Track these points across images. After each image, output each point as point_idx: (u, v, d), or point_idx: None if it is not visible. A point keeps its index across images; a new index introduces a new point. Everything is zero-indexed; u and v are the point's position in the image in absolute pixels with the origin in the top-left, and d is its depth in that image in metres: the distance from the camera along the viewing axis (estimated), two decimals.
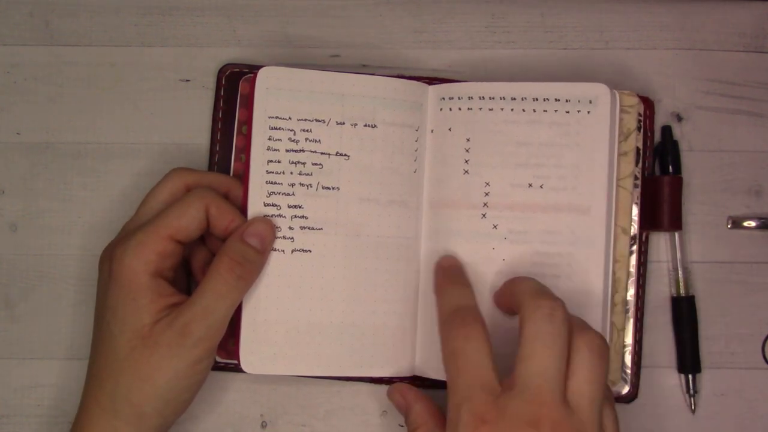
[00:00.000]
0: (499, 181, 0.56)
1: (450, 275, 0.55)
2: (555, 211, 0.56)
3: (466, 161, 0.57)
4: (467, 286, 0.54)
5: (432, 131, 0.58)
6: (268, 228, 0.54)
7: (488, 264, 0.56)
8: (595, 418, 0.46)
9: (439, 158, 0.58)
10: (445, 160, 0.57)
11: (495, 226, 0.56)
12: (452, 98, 0.57)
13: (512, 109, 0.56)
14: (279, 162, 0.55)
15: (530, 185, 0.56)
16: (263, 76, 0.56)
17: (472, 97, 0.57)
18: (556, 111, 0.56)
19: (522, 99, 0.56)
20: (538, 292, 0.49)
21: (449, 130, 0.57)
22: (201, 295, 0.51)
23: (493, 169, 0.57)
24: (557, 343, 0.46)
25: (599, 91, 0.56)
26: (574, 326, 0.48)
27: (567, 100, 0.56)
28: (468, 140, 0.57)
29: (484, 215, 0.57)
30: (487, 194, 0.57)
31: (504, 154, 0.56)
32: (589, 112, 0.56)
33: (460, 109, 0.57)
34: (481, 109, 0.57)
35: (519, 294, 0.49)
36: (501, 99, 0.56)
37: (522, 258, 0.56)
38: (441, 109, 0.58)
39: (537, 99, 0.56)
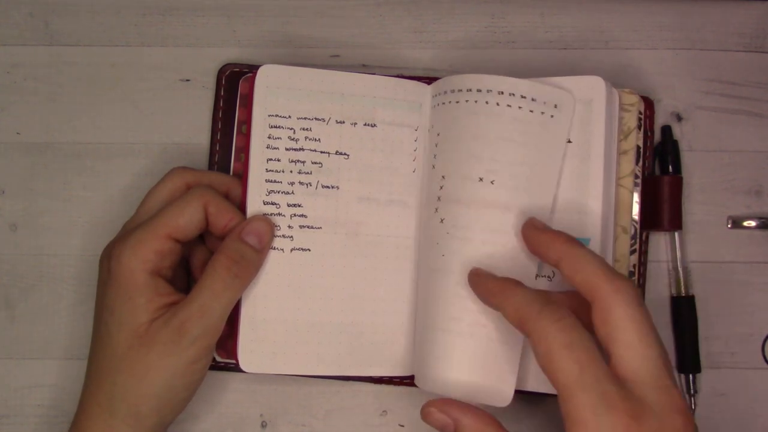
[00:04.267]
0: (454, 175, 0.55)
1: (502, 281, 0.49)
2: (502, 209, 0.54)
3: (435, 156, 0.56)
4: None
5: (429, 130, 0.58)
6: (267, 226, 0.54)
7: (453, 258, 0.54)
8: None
9: (428, 156, 0.57)
10: (428, 158, 0.57)
11: (442, 221, 0.55)
12: (438, 94, 0.57)
13: (507, 105, 0.54)
14: (278, 160, 0.55)
15: (481, 179, 0.54)
16: (263, 74, 0.56)
17: (454, 90, 0.56)
18: (520, 108, 0.54)
19: (519, 93, 0.54)
20: (612, 274, 0.45)
21: (432, 126, 0.57)
22: (198, 294, 0.51)
23: (451, 163, 0.55)
24: (652, 325, 0.45)
25: (596, 86, 0.54)
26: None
27: (533, 99, 0.54)
28: (438, 134, 0.56)
29: (436, 209, 0.55)
30: (441, 188, 0.55)
31: (461, 148, 0.55)
32: (587, 108, 0.54)
33: (443, 104, 0.57)
34: (458, 102, 0.55)
35: (589, 275, 0.46)
36: (497, 93, 0.54)
37: (462, 254, 0.53)
38: (433, 107, 0.58)
39: (534, 93, 0.54)
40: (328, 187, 0.56)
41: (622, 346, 0.44)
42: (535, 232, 0.50)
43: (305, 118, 0.56)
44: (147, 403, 0.51)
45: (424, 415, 0.49)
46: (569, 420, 0.43)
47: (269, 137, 0.55)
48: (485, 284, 0.50)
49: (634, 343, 0.44)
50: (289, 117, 0.56)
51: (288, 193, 0.56)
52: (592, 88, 0.55)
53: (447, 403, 0.49)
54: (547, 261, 0.49)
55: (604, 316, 0.45)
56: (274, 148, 0.56)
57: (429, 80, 0.59)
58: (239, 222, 0.54)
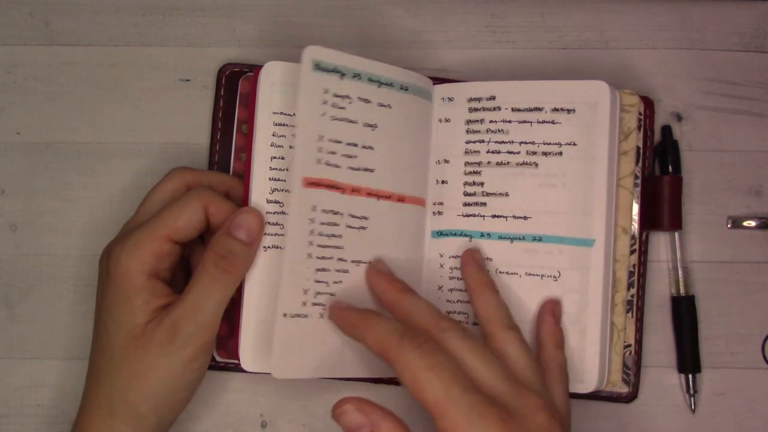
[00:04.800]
0: (494, 179, 0.56)
1: (361, 313, 0.51)
2: (553, 212, 0.56)
3: (467, 163, 0.57)
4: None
5: (436, 130, 0.58)
6: (255, 219, 0.53)
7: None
8: None
9: (441, 157, 0.58)
10: (446, 159, 0.57)
11: (489, 226, 0.56)
12: (452, 99, 0.57)
13: (512, 109, 0.56)
14: (283, 158, 0.55)
15: (528, 185, 0.56)
16: (268, 71, 0.55)
17: (472, 98, 0.57)
18: (555, 110, 0.56)
19: (523, 98, 0.56)
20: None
21: (450, 130, 0.57)
22: (188, 292, 0.51)
23: (491, 167, 0.56)
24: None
25: (601, 90, 0.55)
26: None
27: (569, 99, 0.56)
28: (467, 142, 0.57)
29: (482, 216, 0.57)
30: (485, 194, 0.57)
31: (502, 153, 0.56)
32: (592, 112, 0.55)
33: (460, 108, 0.57)
34: (478, 109, 0.57)
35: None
36: (502, 98, 0.56)
37: (513, 258, 0.56)
38: (441, 108, 0.58)
39: (538, 98, 0.56)
40: None
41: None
42: (376, 276, 0.54)
43: None
44: (145, 404, 0.51)
45: (338, 414, 0.45)
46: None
47: (273, 135, 0.55)
48: (346, 317, 0.51)
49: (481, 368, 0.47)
50: (294, 115, 0.55)
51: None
52: (596, 93, 0.55)
53: (367, 403, 0.46)
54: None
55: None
56: (279, 146, 0.55)
57: (430, 80, 0.59)
58: None
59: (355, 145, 0.54)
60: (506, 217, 0.56)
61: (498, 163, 0.56)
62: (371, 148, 0.55)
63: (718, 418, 0.60)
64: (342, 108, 0.53)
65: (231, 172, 0.59)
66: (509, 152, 0.56)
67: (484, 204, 0.56)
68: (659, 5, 0.63)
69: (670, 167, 0.60)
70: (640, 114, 0.58)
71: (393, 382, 0.59)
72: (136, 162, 0.61)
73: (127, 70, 0.62)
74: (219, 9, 0.63)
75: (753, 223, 0.61)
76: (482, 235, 0.56)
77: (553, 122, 0.56)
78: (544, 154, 0.56)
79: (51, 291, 0.60)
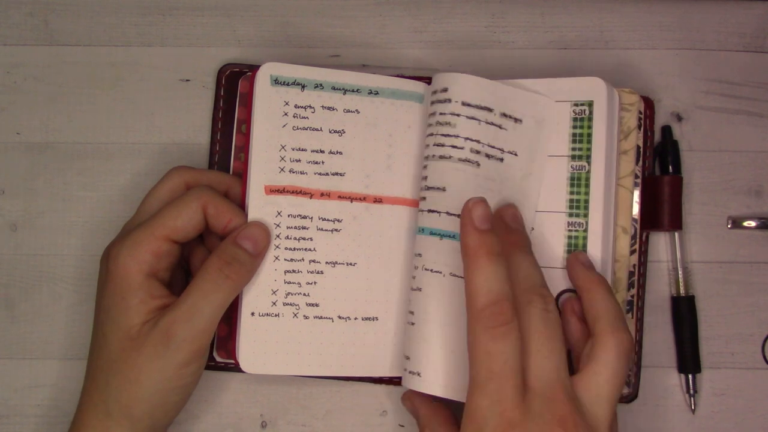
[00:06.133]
0: (435, 173, 0.55)
1: (489, 242, 0.48)
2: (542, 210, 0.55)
3: (460, 159, 0.56)
4: (504, 261, 0.48)
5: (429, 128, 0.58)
6: (263, 233, 0.54)
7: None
8: (609, 417, 0.47)
9: (423, 154, 0.57)
10: (440, 158, 0.57)
11: (425, 221, 0.55)
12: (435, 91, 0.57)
13: (462, 103, 0.54)
14: None
15: (467, 183, 0.54)
16: (265, 72, 0.55)
17: (434, 91, 0.56)
18: (503, 115, 0.55)
19: (476, 94, 0.55)
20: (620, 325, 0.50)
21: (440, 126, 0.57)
22: (187, 295, 0.51)
23: (434, 161, 0.55)
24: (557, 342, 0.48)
25: (547, 105, 0.55)
26: (603, 323, 0.49)
27: (519, 109, 0.55)
28: (427, 135, 0.56)
29: (422, 210, 0.55)
30: (426, 188, 0.55)
31: (446, 147, 0.54)
32: (537, 126, 0.55)
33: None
34: (434, 102, 0.56)
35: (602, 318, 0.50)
36: (453, 91, 0.55)
37: (440, 256, 0.54)
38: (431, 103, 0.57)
39: (489, 98, 0.55)
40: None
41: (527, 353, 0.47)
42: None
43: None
44: (139, 406, 0.50)
45: (402, 402, 0.57)
46: (466, 409, 0.46)
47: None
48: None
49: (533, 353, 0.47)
50: None
51: None
52: (592, 89, 0.55)
53: (415, 395, 0.55)
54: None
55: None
56: None
57: (430, 80, 0.59)
58: (240, 222, 0.54)
59: (322, 151, 0.56)
60: (440, 212, 0.54)
61: (440, 157, 0.55)
62: (340, 153, 0.56)
63: (718, 418, 0.60)
64: (305, 118, 0.55)
65: (231, 172, 0.59)
66: (453, 146, 0.54)
67: (424, 198, 0.55)
68: (659, 5, 0.63)
69: (670, 167, 0.60)
70: (640, 113, 0.57)
71: (393, 382, 0.59)
72: (136, 162, 0.61)
73: (127, 70, 0.62)
74: (219, 9, 0.63)
75: (753, 223, 0.61)
76: (421, 231, 0.55)
77: (500, 126, 0.55)
78: (487, 156, 0.55)
79: (51, 291, 0.60)
